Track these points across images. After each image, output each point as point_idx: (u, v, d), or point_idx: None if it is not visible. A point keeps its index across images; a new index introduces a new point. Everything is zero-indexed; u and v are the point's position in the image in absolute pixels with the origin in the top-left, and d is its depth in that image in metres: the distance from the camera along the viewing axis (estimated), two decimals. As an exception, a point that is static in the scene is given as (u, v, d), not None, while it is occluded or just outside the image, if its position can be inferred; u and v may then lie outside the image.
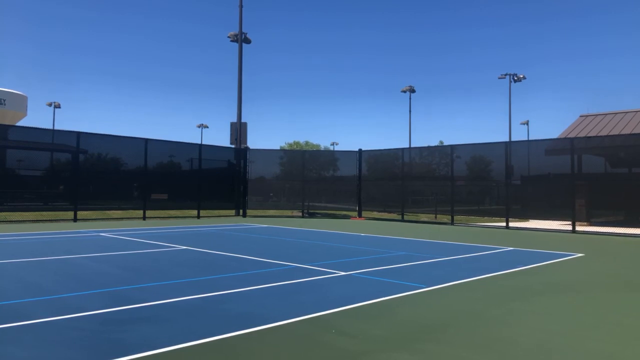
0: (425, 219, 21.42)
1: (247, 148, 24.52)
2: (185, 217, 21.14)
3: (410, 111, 45.84)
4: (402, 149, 23.23)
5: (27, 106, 41.59)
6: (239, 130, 24.74)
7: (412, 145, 38.91)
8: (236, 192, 23.89)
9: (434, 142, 51.14)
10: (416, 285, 6.42)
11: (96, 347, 3.84)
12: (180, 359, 3.61)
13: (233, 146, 24.95)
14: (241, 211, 23.41)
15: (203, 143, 25.56)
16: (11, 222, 16.87)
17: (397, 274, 7.39)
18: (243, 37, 25.47)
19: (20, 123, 36.90)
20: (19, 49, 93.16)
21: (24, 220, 17.32)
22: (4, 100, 38.00)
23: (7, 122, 29.62)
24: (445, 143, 32.21)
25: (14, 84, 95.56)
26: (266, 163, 25.05)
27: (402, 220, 21.13)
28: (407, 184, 22.04)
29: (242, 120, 25.16)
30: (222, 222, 18.92)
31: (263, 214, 23.39)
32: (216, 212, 22.98)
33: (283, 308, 5.16)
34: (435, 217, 21.52)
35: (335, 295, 5.87)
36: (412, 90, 45.99)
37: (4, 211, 17.65)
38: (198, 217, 21.39)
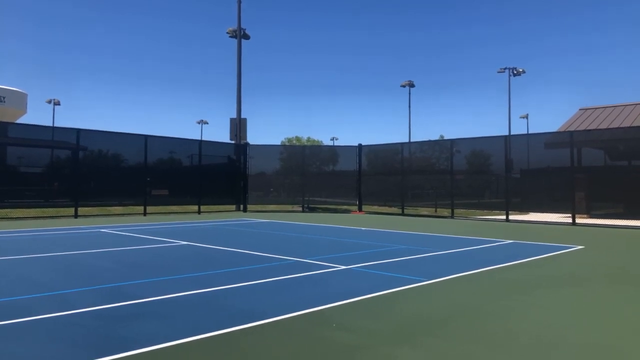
0: (426, 213, 21.43)
1: (247, 144, 24.52)
2: (186, 212, 21.17)
3: (409, 105, 45.86)
4: (402, 144, 23.26)
5: (27, 104, 41.51)
6: (238, 126, 24.74)
7: (412, 140, 38.91)
8: (236, 188, 23.91)
9: (434, 138, 50.97)
10: (416, 279, 6.43)
11: (95, 343, 3.85)
12: (180, 355, 3.63)
13: (233, 142, 24.96)
14: (242, 206, 23.44)
15: (203, 139, 25.59)
16: (12, 219, 16.91)
17: (398, 268, 7.41)
18: (242, 32, 25.43)
19: (20, 120, 36.89)
20: (19, 48, 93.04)
21: (25, 217, 17.35)
22: (4, 98, 37.91)
23: (7, 120, 29.58)
24: (446, 137, 32.19)
25: (14, 82, 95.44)
26: (266, 158, 25.06)
27: (402, 214, 21.16)
28: (407, 178, 22.05)
29: (242, 116, 25.17)
30: (222, 218, 18.94)
31: (263, 209, 23.42)
32: (217, 207, 23.01)
33: (283, 303, 5.18)
34: (436, 211, 21.54)
35: (336, 290, 5.88)
36: (412, 85, 46.03)
37: (4, 208, 17.69)
38: (199, 212, 21.42)
